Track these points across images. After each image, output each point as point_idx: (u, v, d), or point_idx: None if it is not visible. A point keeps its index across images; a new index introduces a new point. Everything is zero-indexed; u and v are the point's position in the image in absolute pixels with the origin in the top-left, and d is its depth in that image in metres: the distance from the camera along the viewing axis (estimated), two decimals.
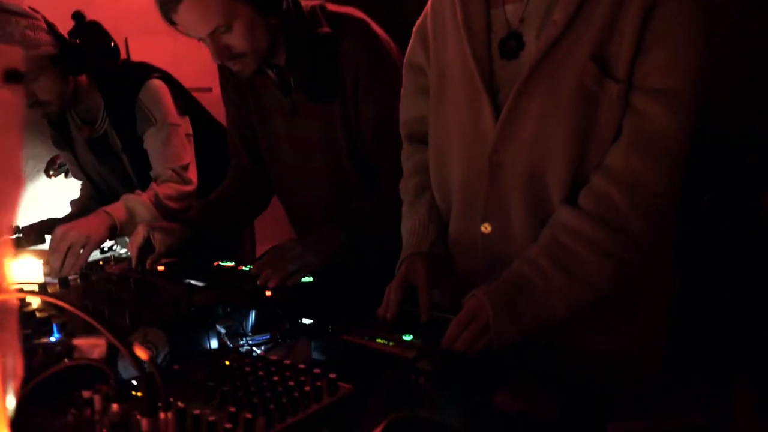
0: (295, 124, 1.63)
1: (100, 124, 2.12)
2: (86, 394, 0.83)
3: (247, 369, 0.94)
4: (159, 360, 1.09)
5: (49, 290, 1.34)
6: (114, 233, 1.85)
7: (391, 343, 1.02)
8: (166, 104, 2.08)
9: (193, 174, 2.12)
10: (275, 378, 0.89)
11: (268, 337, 1.17)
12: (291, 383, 0.87)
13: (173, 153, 2.08)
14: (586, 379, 0.96)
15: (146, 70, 2.11)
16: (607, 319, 1.12)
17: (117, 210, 1.89)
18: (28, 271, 1.54)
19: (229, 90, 1.77)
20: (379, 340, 1.04)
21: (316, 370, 0.91)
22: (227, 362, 0.99)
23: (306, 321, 1.17)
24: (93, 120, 2.13)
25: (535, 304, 1.00)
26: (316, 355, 1.09)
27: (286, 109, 1.63)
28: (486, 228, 1.14)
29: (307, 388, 0.86)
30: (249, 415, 0.78)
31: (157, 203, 1.97)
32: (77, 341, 0.75)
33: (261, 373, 0.92)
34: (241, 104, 1.76)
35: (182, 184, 2.06)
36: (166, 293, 1.30)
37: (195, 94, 2.37)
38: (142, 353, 0.69)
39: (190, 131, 2.16)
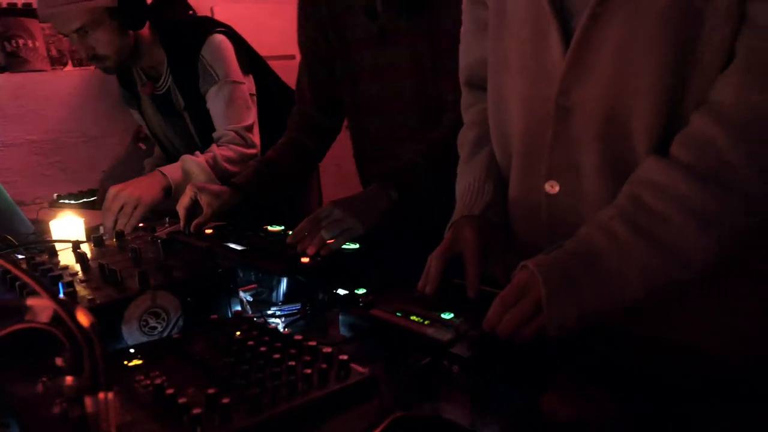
0: (382, 55, 1.51)
1: (163, 81, 2.04)
2: (59, 361, 0.72)
3: (250, 343, 0.80)
4: (167, 326, 0.97)
5: (81, 247, 1.26)
6: (169, 194, 1.77)
7: (426, 322, 0.86)
8: (229, 61, 1.97)
9: (257, 136, 2.01)
10: (276, 356, 0.75)
11: (299, 307, 1.03)
12: (292, 363, 0.73)
13: (235, 113, 1.97)
14: (669, 384, 0.75)
15: (209, 25, 2.01)
16: (704, 309, 0.88)
17: (173, 171, 1.81)
18: (69, 228, 1.46)
19: (308, 28, 1.64)
20: (413, 318, 0.87)
21: (326, 349, 0.76)
22: (238, 333, 0.85)
23: (341, 292, 1.02)
24: (157, 77, 2.06)
25: (604, 281, 0.79)
26: (343, 331, 0.94)
27: (372, 38, 1.51)
28: (551, 187, 0.94)
29: (308, 371, 0.71)
30: (227, 400, 0.64)
31: (215, 165, 1.87)
32: (31, 301, 0.63)
33: (263, 348, 0.77)
34: (320, 40, 1.63)
35: (244, 146, 1.95)
36: (193, 255, 1.18)
37: (277, 62, 2.28)
38: (84, 318, 0.56)
39: (254, 91, 2.04)
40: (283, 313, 1.02)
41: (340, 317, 0.93)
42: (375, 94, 1.55)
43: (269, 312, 1.02)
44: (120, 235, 1.38)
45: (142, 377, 0.73)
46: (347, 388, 0.71)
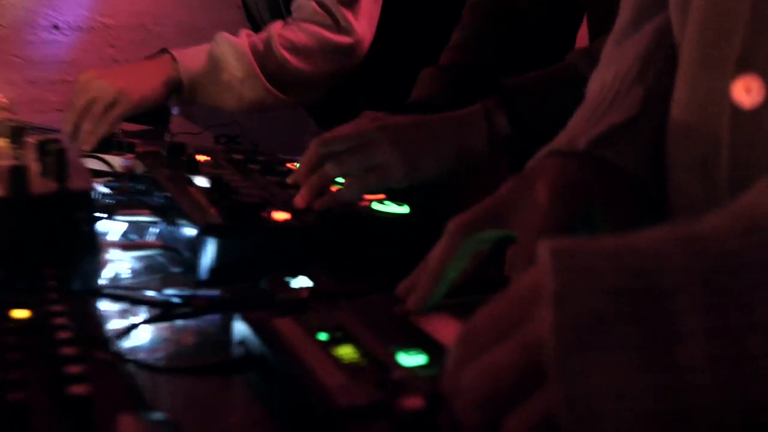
0: None
1: None
2: None
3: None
4: None
5: None
6: (175, 91, 1.16)
7: (357, 361, 0.45)
8: None
9: (362, 20, 1.24)
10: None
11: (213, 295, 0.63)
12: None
13: None
14: None
15: None
16: None
17: (192, 57, 1.17)
18: None
19: None
20: (340, 350, 0.46)
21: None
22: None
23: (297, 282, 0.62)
24: None
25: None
26: (237, 350, 0.54)
27: None
28: (745, 90, 0.46)
29: None
30: None
31: (265, 54, 1.17)
32: None
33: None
34: None
35: (332, 29, 1.22)
36: None
37: None
38: None
39: None
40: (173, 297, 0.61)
41: (234, 324, 0.53)
42: None
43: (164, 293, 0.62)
44: (16, 132, 0.78)
45: None
46: None
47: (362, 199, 0.76)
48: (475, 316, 0.36)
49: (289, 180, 0.79)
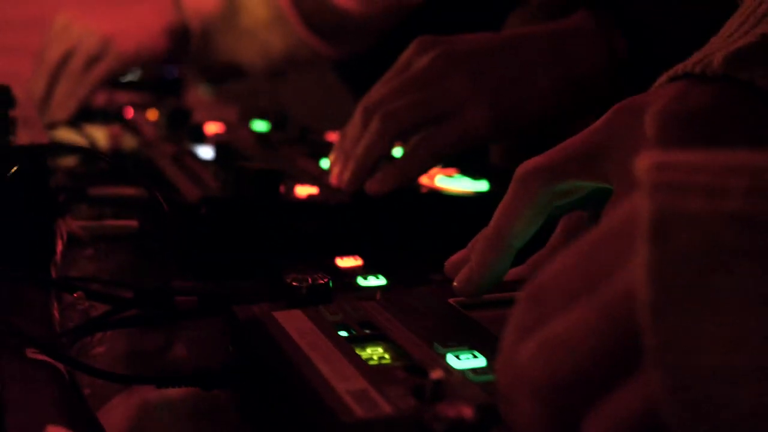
0: None
1: None
2: None
3: None
4: None
5: None
6: (183, 43, 0.90)
7: (388, 361, 0.32)
8: None
9: None
10: None
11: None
12: None
13: None
14: None
15: None
16: None
17: None
18: None
19: None
20: (367, 351, 0.33)
21: None
22: None
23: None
24: None
25: None
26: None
27: None
28: None
29: None
30: None
31: None
32: None
33: None
34: None
35: None
36: None
37: None
38: None
39: None
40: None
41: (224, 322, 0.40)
42: None
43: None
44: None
45: None
46: None
47: (418, 174, 0.53)
48: (542, 270, 0.23)
49: (330, 158, 0.57)
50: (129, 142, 0.74)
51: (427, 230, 0.53)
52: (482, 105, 0.52)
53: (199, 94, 1.10)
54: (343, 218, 0.53)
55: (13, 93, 0.48)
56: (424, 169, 0.53)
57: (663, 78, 0.40)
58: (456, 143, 0.52)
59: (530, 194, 0.37)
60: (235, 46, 0.92)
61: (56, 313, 0.42)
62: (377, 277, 0.45)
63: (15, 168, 0.41)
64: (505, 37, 0.56)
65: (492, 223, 0.38)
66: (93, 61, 0.84)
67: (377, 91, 0.54)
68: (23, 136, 0.48)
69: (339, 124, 0.60)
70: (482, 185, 0.57)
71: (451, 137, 0.52)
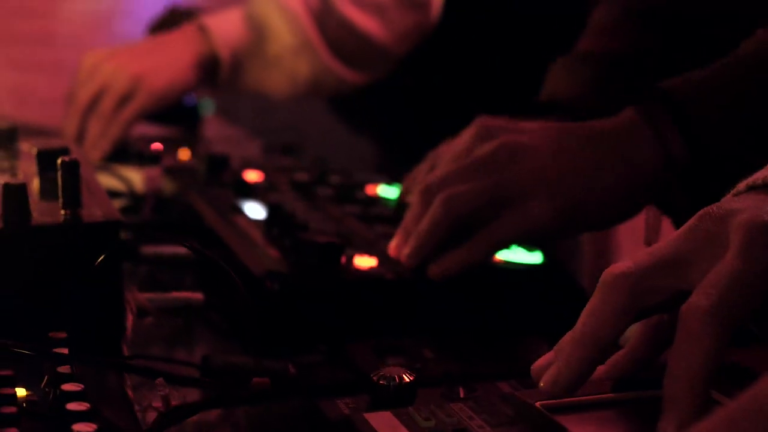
0: None
1: None
2: None
3: None
4: None
5: None
6: (212, 76, 0.89)
7: None
8: None
9: None
10: None
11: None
12: None
13: None
14: None
15: None
16: None
17: (226, 24, 0.89)
18: None
19: None
20: None
21: None
22: None
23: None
24: None
25: None
26: None
27: None
28: None
29: None
30: None
31: (324, 11, 0.89)
32: None
33: None
34: None
35: None
36: None
37: None
38: None
39: None
40: None
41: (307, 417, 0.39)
42: None
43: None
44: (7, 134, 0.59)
45: None
46: None
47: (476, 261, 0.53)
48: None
49: (396, 237, 0.55)
50: (168, 186, 0.74)
51: (484, 296, 0.55)
52: (544, 198, 0.52)
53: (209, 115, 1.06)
54: (404, 295, 0.53)
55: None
56: (487, 257, 0.54)
57: (742, 186, 0.41)
58: (519, 235, 0.53)
59: (617, 298, 0.38)
60: (263, 74, 0.92)
61: (130, 393, 0.42)
62: None
63: (102, 257, 0.40)
64: (567, 132, 0.56)
65: (578, 326, 0.39)
66: (124, 100, 0.84)
67: (439, 172, 0.56)
68: (89, 204, 0.47)
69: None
70: (536, 256, 0.58)
71: (514, 228, 0.52)
